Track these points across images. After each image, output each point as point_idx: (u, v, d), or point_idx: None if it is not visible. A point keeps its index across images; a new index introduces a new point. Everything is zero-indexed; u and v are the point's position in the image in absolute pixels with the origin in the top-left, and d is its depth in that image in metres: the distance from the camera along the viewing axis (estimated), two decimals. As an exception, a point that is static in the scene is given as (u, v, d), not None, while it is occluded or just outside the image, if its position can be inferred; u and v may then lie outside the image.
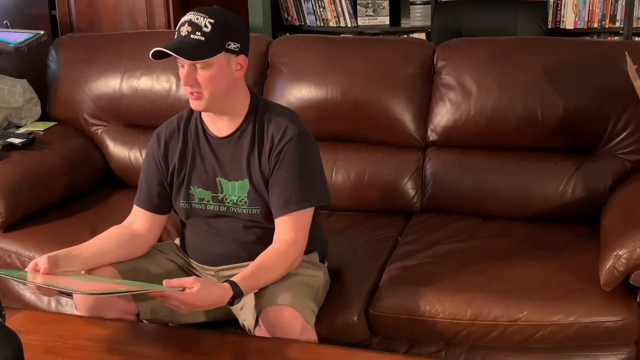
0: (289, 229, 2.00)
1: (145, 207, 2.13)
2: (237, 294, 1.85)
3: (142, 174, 2.16)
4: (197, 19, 1.93)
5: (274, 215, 2.03)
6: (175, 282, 1.80)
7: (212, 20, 1.92)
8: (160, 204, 2.13)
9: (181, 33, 1.94)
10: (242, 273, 1.91)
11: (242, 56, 2.00)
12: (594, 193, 2.57)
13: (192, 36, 1.92)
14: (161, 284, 1.80)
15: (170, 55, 1.92)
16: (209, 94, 1.97)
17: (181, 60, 1.94)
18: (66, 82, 3.14)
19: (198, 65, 1.94)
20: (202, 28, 1.91)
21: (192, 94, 1.97)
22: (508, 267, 2.28)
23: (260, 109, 2.08)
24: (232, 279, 1.89)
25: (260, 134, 2.05)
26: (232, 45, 1.96)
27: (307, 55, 2.89)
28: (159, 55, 1.94)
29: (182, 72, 1.96)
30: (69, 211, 2.81)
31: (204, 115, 2.10)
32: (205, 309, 1.87)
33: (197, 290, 1.79)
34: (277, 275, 1.96)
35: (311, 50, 2.91)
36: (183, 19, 1.96)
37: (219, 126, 2.08)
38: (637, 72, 2.24)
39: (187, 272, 2.17)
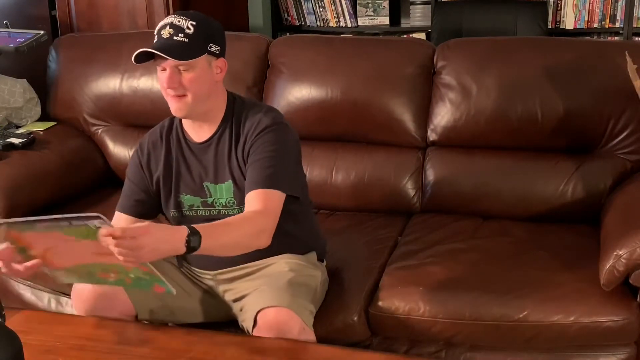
0: (258, 203, 1.92)
1: (129, 212, 2.11)
2: (193, 232, 1.74)
3: (126, 182, 2.15)
4: (179, 21, 1.93)
5: (245, 192, 1.96)
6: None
7: (194, 23, 1.93)
8: (144, 210, 2.11)
9: (162, 35, 1.93)
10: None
11: (222, 59, 2.01)
12: (594, 193, 2.56)
13: (175, 38, 1.92)
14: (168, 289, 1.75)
15: (151, 58, 1.91)
16: (192, 96, 1.96)
17: (164, 63, 1.93)
18: (66, 82, 3.14)
19: (181, 68, 1.93)
20: (184, 30, 1.92)
21: (175, 96, 1.96)
22: (508, 267, 2.28)
23: (237, 110, 2.07)
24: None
25: (237, 133, 2.04)
26: (214, 48, 1.96)
27: (307, 55, 2.89)
28: (140, 59, 1.93)
29: (164, 75, 1.94)
30: (69, 211, 2.79)
31: (184, 122, 2.09)
32: (159, 252, 1.71)
33: (149, 224, 1.70)
34: (238, 235, 1.86)
35: (311, 50, 2.91)
36: (163, 22, 1.95)
37: (199, 132, 2.08)
38: (637, 72, 2.24)
39: (189, 277, 2.16)
